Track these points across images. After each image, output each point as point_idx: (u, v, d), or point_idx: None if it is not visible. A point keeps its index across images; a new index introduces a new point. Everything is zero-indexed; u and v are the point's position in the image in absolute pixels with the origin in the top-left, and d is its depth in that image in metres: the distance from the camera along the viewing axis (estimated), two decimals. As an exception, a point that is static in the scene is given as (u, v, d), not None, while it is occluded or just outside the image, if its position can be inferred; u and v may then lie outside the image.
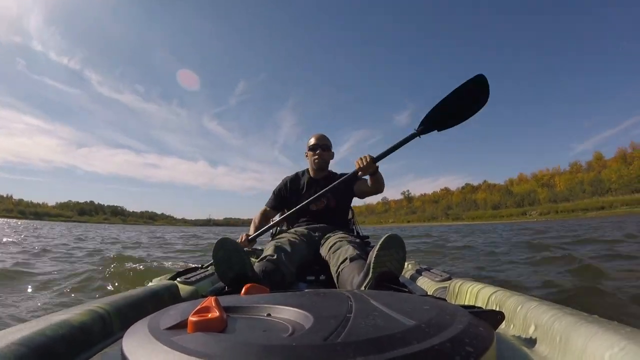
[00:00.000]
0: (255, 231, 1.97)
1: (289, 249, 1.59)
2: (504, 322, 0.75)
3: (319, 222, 1.95)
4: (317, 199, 1.89)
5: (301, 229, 1.88)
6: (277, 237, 1.81)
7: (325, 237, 1.80)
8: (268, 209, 2.14)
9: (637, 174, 79.03)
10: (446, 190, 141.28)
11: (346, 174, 1.92)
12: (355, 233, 2.17)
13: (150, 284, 1.23)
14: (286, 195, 2.11)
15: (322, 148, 2.05)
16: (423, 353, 0.43)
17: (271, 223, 1.98)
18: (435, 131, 1.80)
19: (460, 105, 1.77)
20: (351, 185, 2.01)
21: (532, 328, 0.71)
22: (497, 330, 0.70)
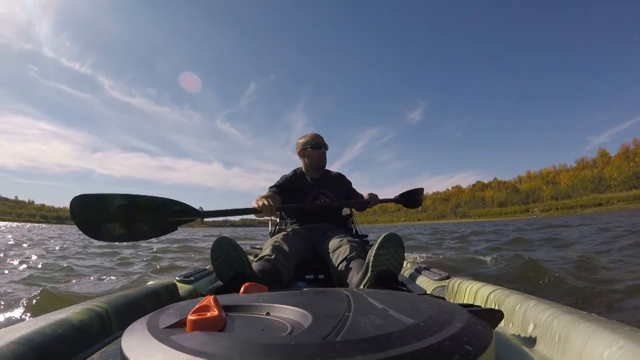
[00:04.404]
0: (276, 203, 1.79)
1: (287, 248, 1.58)
2: (502, 321, 0.75)
3: (318, 221, 1.94)
4: (327, 205, 1.98)
5: (300, 228, 1.88)
6: (275, 235, 1.80)
7: (325, 236, 1.79)
8: (271, 193, 1.97)
9: (635, 171, 79.66)
10: (457, 188, 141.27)
11: (341, 174, 2.18)
12: (353, 232, 2.18)
13: (148, 283, 1.23)
14: (288, 190, 2.00)
15: (325, 147, 2.05)
16: (422, 352, 0.43)
17: (294, 205, 1.97)
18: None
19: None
20: (350, 196, 2.17)
21: (531, 327, 0.71)
22: (496, 329, 0.70)
